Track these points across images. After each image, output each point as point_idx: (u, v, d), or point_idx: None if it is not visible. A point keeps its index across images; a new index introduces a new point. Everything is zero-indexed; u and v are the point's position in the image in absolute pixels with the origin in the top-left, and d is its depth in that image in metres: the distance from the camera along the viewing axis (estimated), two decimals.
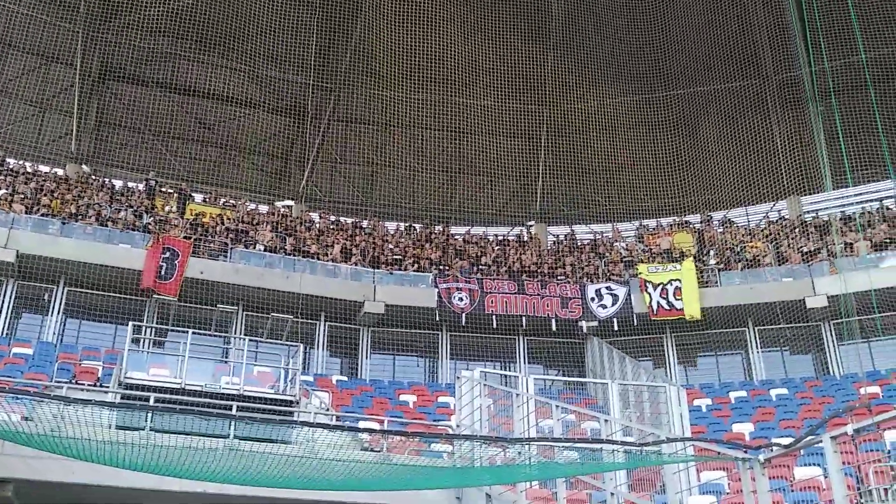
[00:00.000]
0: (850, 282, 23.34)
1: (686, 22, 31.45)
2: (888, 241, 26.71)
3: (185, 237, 25.39)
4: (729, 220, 32.37)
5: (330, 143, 34.02)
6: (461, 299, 26.50)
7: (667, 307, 26.32)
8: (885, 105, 26.09)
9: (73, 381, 18.43)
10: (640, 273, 27.17)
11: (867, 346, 25.42)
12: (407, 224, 33.10)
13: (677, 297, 26.30)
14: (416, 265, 28.57)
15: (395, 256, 28.88)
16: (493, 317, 26.52)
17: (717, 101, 32.25)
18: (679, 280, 26.43)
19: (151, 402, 13.61)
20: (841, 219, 29.65)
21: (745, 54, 31.69)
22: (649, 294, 26.52)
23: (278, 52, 32.46)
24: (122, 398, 14.60)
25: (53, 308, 23.86)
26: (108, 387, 16.60)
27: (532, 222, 34.42)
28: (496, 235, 33.80)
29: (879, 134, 23.87)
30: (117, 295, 24.02)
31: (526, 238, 33.27)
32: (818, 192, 31.30)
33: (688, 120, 32.99)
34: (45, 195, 26.50)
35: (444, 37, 31.58)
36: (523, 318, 26.67)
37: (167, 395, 14.49)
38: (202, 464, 8.92)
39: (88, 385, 18.08)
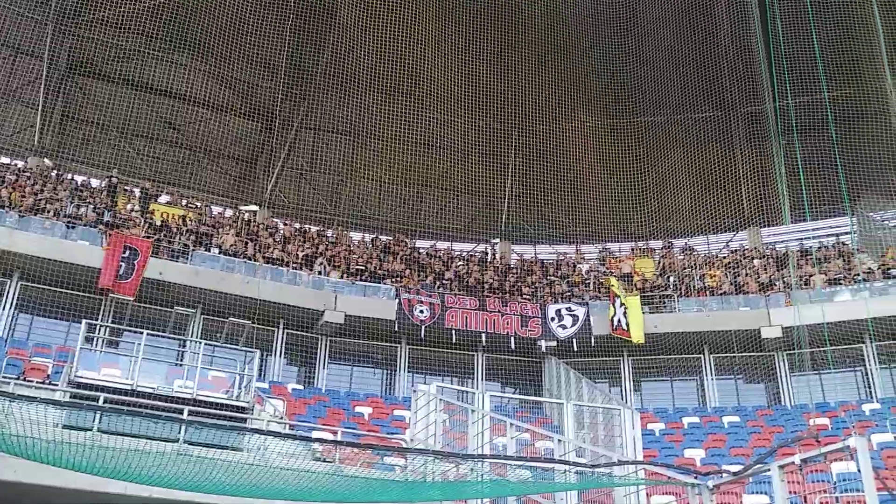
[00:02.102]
0: (805, 314, 23.78)
1: (657, 52, 31.96)
2: (842, 275, 27.31)
3: (145, 236, 25.05)
4: (690, 247, 32.84)
5: (298, 150, 33.87)
6: (422, 312, 26.47)
7: (625, 326, 26.67)
8: (844, 143, 26.74)
9: (22, 378, 18.01)
10: (612, 286, 27.46)
11: (818, 377, 25.89)
12: (372, 235, 33.03)
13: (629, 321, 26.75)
14: (377, 277, 28.47)
15: (357, 267, 28.78)
16: (453, 332, 26.53)
17: (684, 130, 32.77)
18: (626, 307, 26.84)
19: (101, 403, 13.35)
20: (798, 251, 30.25)
21: (712, 86, 32.27)
22: (615, 308, 26.82)
23: (250, 56, 32.28)
24: (70, 397, 14.30)
25: (5, 302, 23.31)
26: (57, 385, 16.26)
27: (497, 240, 34.58)
28: (461, 251, 33.87)
29: (838, 171, 24.43)
30: (72, 292, 23.56)
31: (490, 256, 33.39)
32: (777, 225, 31.93)
33: (654, 147, 33.46)
34: (5, 187, 25.97)
35: (419, 52, 31.68)
36: (483, 335, 26.73)
37: (117, 396, 14.22)
38: (149, 468, 8.77)
39: (37, 382, 17.68)
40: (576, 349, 26.56)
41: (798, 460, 8.88)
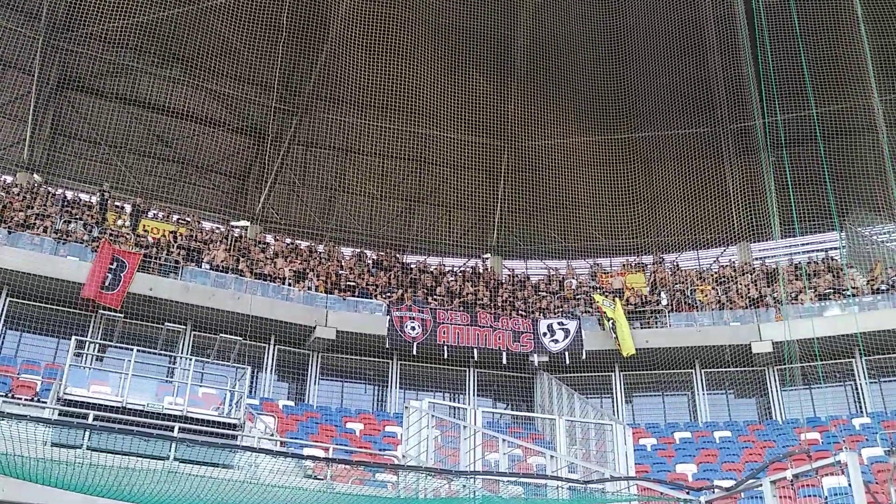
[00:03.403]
0: (795, 329, 23.87)
1: (648, 67, 32.16)
2: (832, 290, 27.43)
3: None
4: (680, 263, 32.92)
5: (289, 165, 33.87)
6: (413, 328, 26.42)
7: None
8: (833, 159, 26.95)
9: (10, 395, 17.87)
10: (598, 302, 27.52)
11: (809, 392, 25.95)
12: (362, 250, 33.01)
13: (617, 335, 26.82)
14: (367, 293, 28.42)
15: (349, 283, 28.73)
16: (445, 347, 26.48)
17: (675, 145, 32.96)
18: (613, 320, 26.89)
19: (90, 420, 13.26)
20: (788, 267, 30.39)
21: (703, 102, 32.47)
22: (607, 321, 26.95)
23: (242, 71, 32.32)
24: (59, 414, 14.19)
25: None
26: (45, 402, 16.13)
27: (488, 255, 34.60)
28: (452, 266, 33.87)
29: (827, 187, 24.60)
30: (62, 308, 23.41)
31: (481, 270, 33.41)
32: (767, 240, 32.07)
33: (645, 163, 33.64)
34: None
35: (410, 68, 31.79)
36: (475, 350, 26.67)
37: (107, 414, 14.12)
38: (139, 486, 8.70)
39: (25, 399, 17.54)
40: (568, 363, 26.53)
41: (790, 475, 8.91)
